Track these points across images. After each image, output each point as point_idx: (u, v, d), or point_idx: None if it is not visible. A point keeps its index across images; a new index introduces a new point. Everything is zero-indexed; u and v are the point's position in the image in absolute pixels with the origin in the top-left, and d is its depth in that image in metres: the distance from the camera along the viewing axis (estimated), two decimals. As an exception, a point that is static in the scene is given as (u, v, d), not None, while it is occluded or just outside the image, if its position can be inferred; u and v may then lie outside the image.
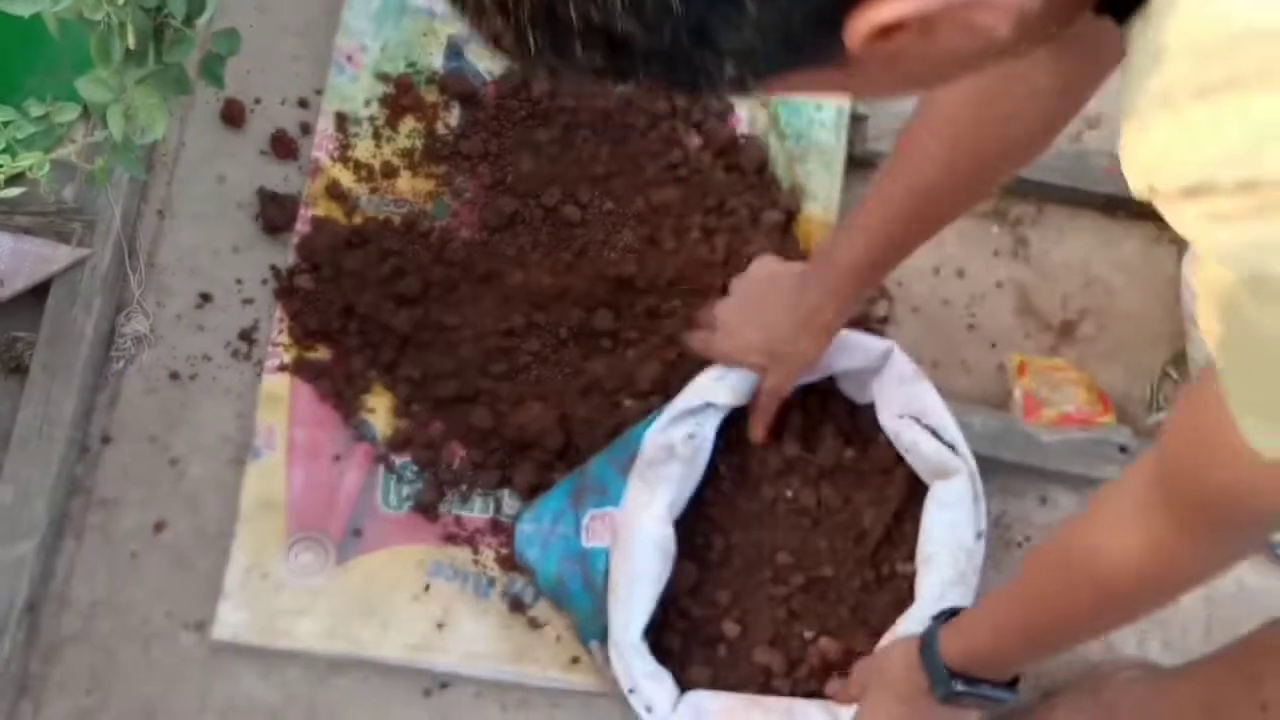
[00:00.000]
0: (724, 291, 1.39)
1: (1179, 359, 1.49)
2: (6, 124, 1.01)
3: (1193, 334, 1.42)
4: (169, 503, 1.40)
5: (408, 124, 1.51)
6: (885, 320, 1.51)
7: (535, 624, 1.36)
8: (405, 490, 1.39)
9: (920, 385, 1.36)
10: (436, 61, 1.53)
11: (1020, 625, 1.11)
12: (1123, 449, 1.42)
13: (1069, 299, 1.53)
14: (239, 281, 1.47)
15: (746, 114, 1.52)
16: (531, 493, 1.39)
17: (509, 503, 1.40)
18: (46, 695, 1.34)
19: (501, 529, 1.39)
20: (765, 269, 1.38)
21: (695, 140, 1.49)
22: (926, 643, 1.18)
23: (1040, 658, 1.32)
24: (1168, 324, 1.51)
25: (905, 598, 1.33)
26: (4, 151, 1.02)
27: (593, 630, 1.33)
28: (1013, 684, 1.18)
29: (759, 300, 1.35)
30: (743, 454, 1.40)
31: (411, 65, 1.53)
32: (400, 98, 1.52)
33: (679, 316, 1.43)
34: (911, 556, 1.34)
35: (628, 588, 1.29)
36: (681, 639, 1.35)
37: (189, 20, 1.00)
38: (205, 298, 1.46)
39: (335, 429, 1.41)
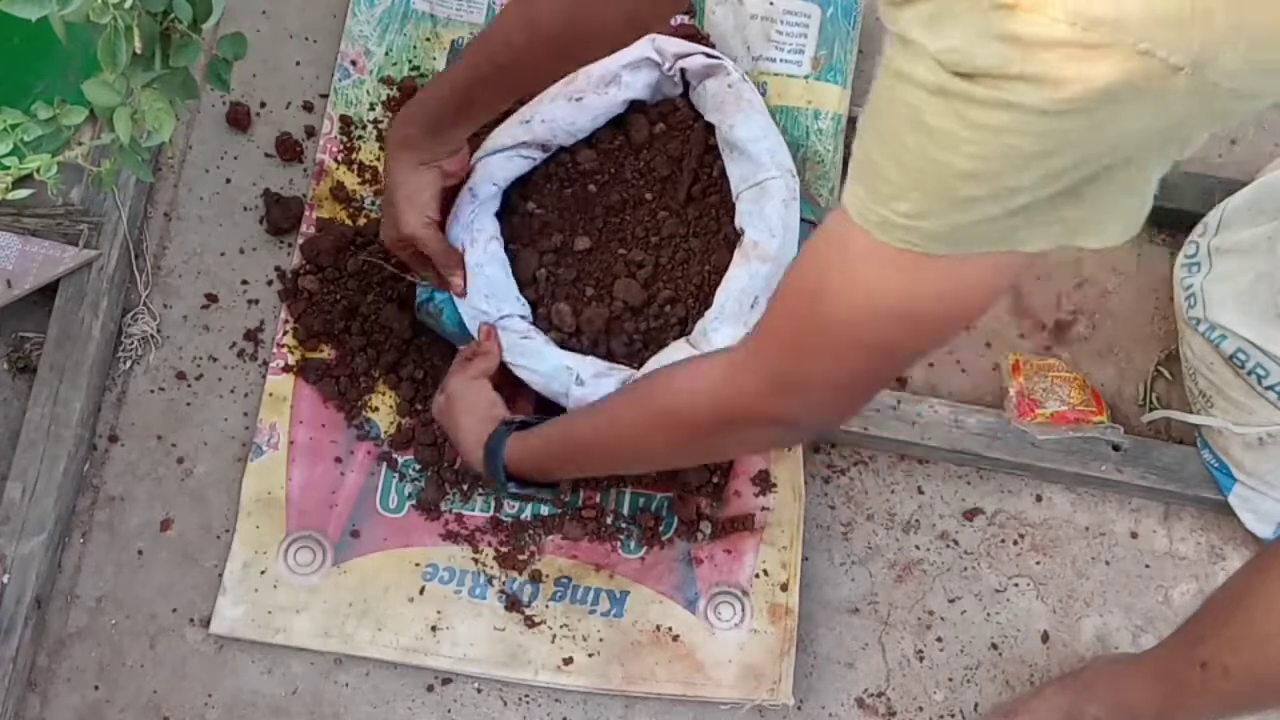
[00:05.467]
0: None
1: (1171, 358, 1.50)
2: (14, 126, 1.02)
3: (1185, 334, 1.43)
4: (175, 500, 1.42)
5: (411, 127, 1.53)
6: (882, 321, 1.51)
7: (532, 622, 1.38)
8: (407, 488, 1.41)
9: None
10: (439, 65, 1.55)
11: (586, 442, 1.20)
12: (1115, 447, 1.44)
13: (1063, 299, 1.55)
14: (244, 283, 1.49)
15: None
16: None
17: (509, 502, 1.41)
18: (54, 689, 1.36)
19: (502, 527, 1.40)
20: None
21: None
22: (492, 445, 1.25)
23: (588, 474, 1.39)
24: (1160, 324, 1.53)
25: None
26: (12, 154, 1.02)
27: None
28: (554, 485, 1.30)
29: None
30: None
31: (415, 69, 1.55)
32: (404, 101, 1.52)
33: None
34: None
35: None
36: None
37: (195, 25, 1.01)
38: (211, 299, 1.48)
39: (337, 431, 1.42)
